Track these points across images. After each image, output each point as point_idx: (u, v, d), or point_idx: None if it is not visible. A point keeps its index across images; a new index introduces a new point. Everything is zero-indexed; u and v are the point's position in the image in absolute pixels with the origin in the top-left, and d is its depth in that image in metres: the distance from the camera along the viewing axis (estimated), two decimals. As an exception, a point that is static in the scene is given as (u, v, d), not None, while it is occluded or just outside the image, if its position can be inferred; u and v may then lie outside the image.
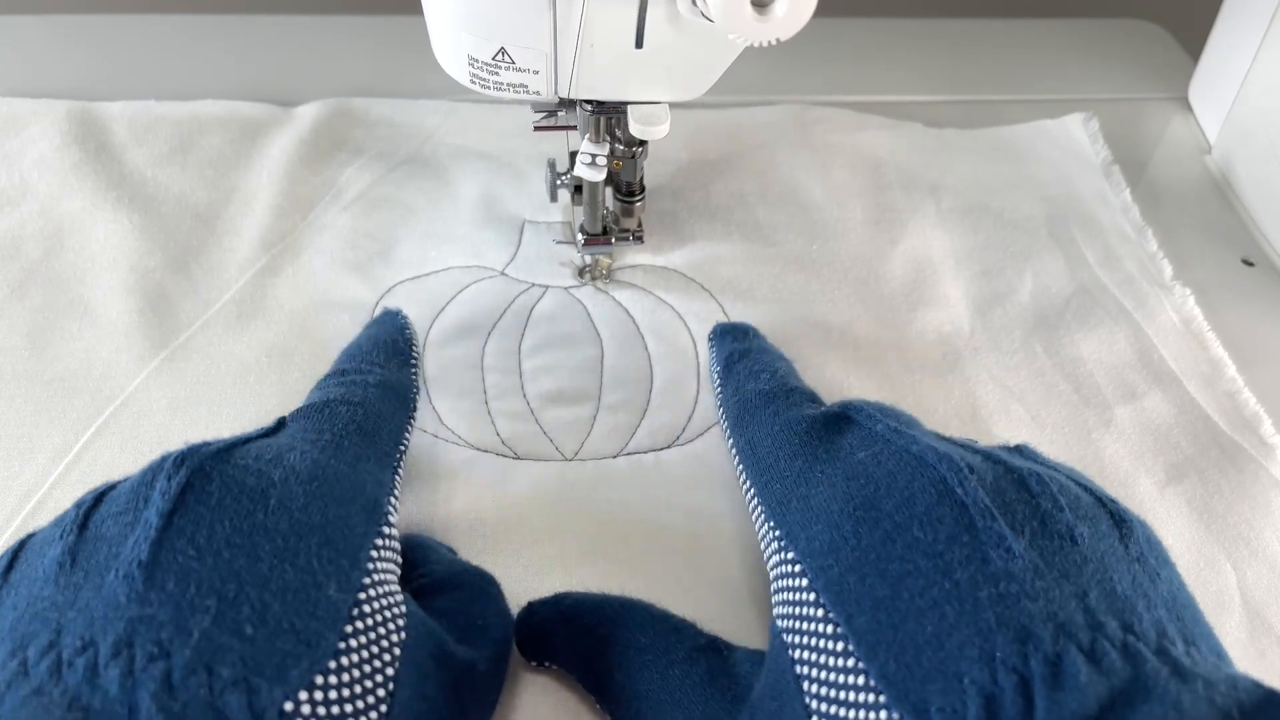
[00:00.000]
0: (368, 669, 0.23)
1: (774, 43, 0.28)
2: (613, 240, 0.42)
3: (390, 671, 0.23)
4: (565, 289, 0.42)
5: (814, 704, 0.23)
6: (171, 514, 0.22)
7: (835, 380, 0.38)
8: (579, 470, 0.35)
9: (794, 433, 0.29)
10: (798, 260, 0.44)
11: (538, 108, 0.37)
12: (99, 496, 0.24)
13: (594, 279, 0.43)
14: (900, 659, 0.22)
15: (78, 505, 0.24)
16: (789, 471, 0.28)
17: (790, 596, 0.25)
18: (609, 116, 0.36)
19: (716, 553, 0.33)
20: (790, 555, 0.26)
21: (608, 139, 0.37)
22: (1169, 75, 0.57)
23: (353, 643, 0.23)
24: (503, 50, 0.32)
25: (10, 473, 0.34)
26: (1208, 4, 0.53)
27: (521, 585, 0.31)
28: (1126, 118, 0.54)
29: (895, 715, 0.21)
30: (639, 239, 0.42)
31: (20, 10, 0.56)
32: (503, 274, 0.43)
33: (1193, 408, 0.38)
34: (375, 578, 0.25)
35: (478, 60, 0.32)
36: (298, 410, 0.29)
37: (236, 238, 0.43)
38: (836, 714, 0.22)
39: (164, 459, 0.24)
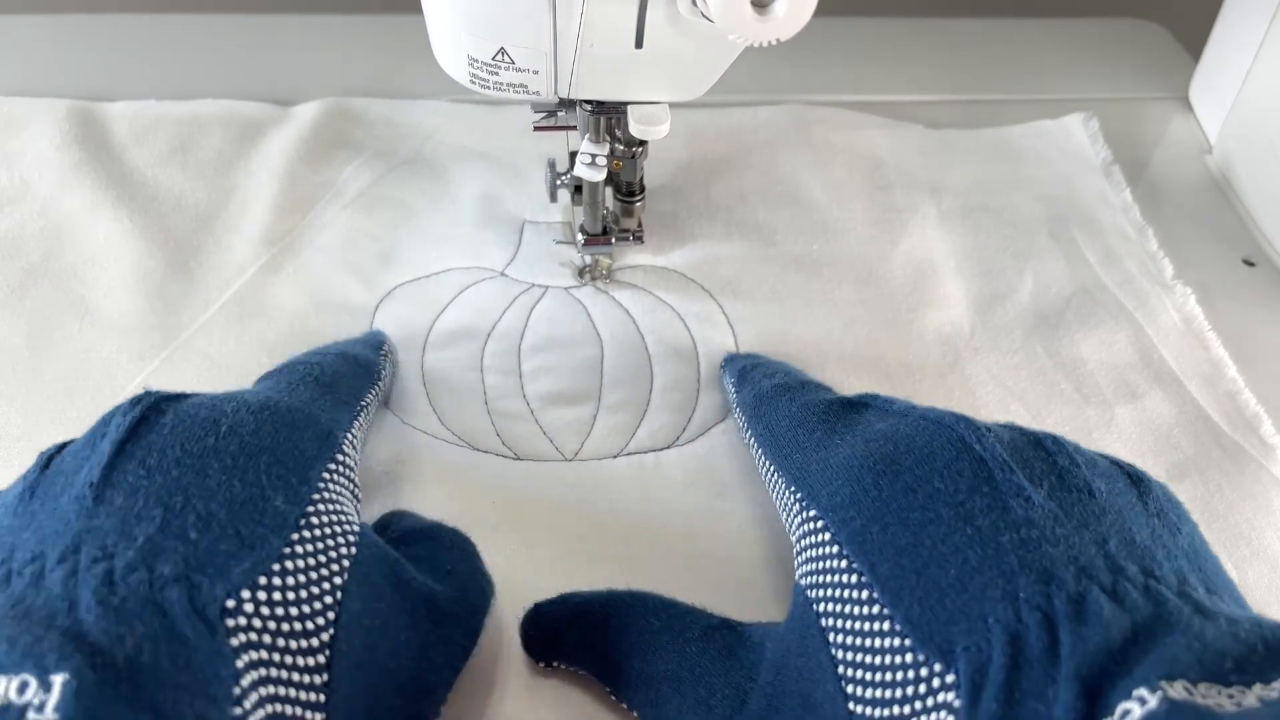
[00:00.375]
0: (315, 575, 0.23)
1: (774, 43, 0.28)
2: (613, 240, 0.42)
3: (339, 580, 0.23)
4: (565, 289, 0.42)
5: (839, 653, 0.23)
6: (124, 443, 0.24)
7: (835, 380, 0.38)
8: (579, 471, 0.35)
9: (812, 413, 0.30)
10: (798, 260, 0.44)
11: (538, 108, 0.37)
12: (61, 445, 0.25)
13: (594, 279, 0.43)
14: (924, 603, 0.22)
15: (42, 454, 0.25)
16: (808, 443, 0.29)
17: (814, 553, 0.26)
18: (609, 116, 0.36)
19: (716, 553, 0.33)
20: (812, 513, 0.26)
21: (608, 139, 0.37)
22: (1169, 75, 0.57)
23: (299, 549, 0.23)
24: (503, 50, 0.32)
25: (10, 473, 0.34)
26: (1208, 4, 0.53)
27: (522, 585, 0.31)
28: (1127, 118, 0.53)
29: (920, 657, 0.22)
30: (639, 239, 0.42)
31: (21, 10, 0.56)
32: (503, 274, 0.43)
33: (1193, 408, 0.38)
34: (325, 495, 0.25)
35: (478, 60, 0.32)
36: (264, 379, 0.31)
37: (236, 237, 0.43)
38: (861, 660, 0.23)
39: (122, 404, 0.25)
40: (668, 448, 0.36)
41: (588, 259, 0.43)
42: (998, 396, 0.38)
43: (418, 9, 0.33)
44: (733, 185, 0.47)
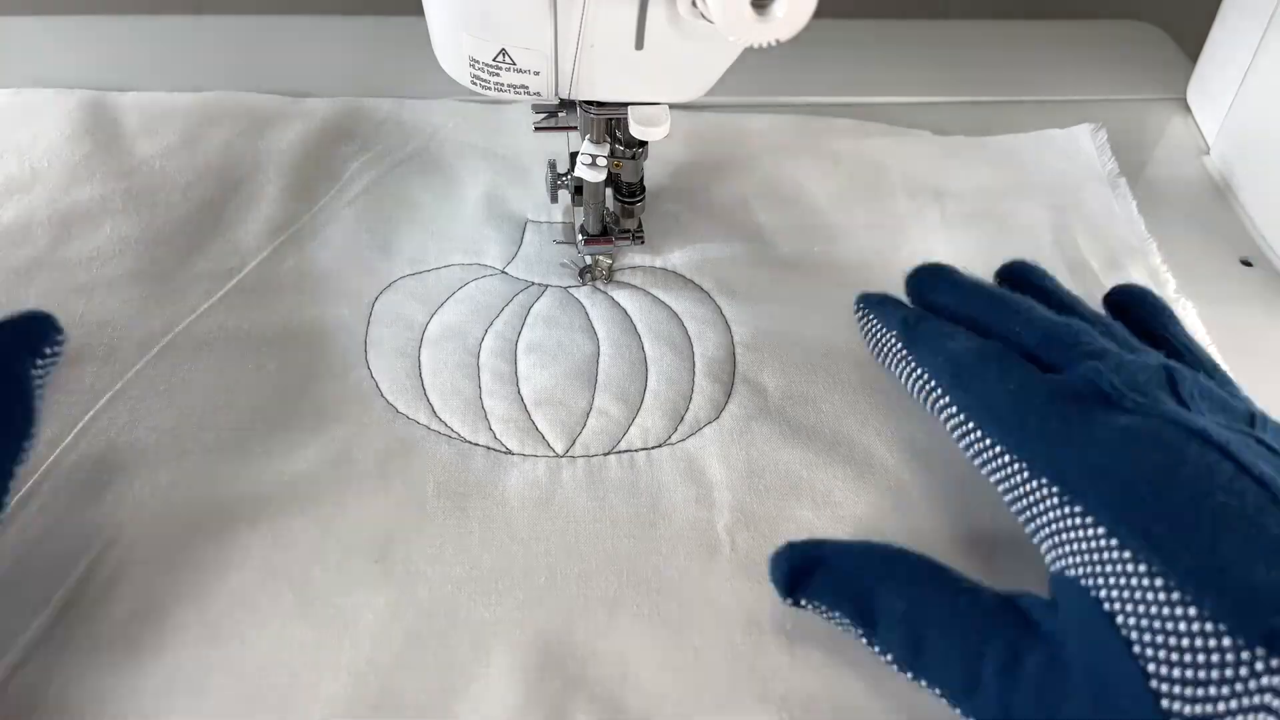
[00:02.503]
0: None
1: (774, 44, 0.28)
2: (613, 241, 0.42)
3: None
4: (565, 289, 0.42)
5: (1135, 636, 0.24)
6: None
7: (834, 382, 0.38)
8: (570, 467, 0.36)
9: (1035, 394, 0.30)
10: (798, 263, 0.44)
11: (538, 109, 0.37)
12: None
13: (594, 279, 0.43)
14: (1235, 595, 0.23)
15: None
16: (1045, 431, 0.28)
17: (1084, 545, 0.26)
18: (609, 117, 0.37)
19: (704, 553, 0.33)
20: (1078, 509, 0.26)
21: (608, 140, 0.37)
22: (1167, 76, 0.57)
23: None
24: (503, 51, 0.32)
25: None
26: (1206, 5, 0.53)
27: (510, 581, 0.32)
28: (1125, 118, 0.54)
29: (1240, 641, 0.22)
30: (639, 240, 0.42)
31: (34, 11, 0.56)
32: (503, 272, 0.43)
33: None
34: None
35: (478, 61, 0.33)
36: None
37: (241, 228, 0.44)
38: (1164, 643, 0.23)
39: None
40: (659, 446, 0.36)
41: (588, 259, 0.43)
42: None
43: (421, 10, 0.33)
44: (734, 188, 0.47)
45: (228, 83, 0.51)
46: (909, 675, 0.28)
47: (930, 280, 0.36)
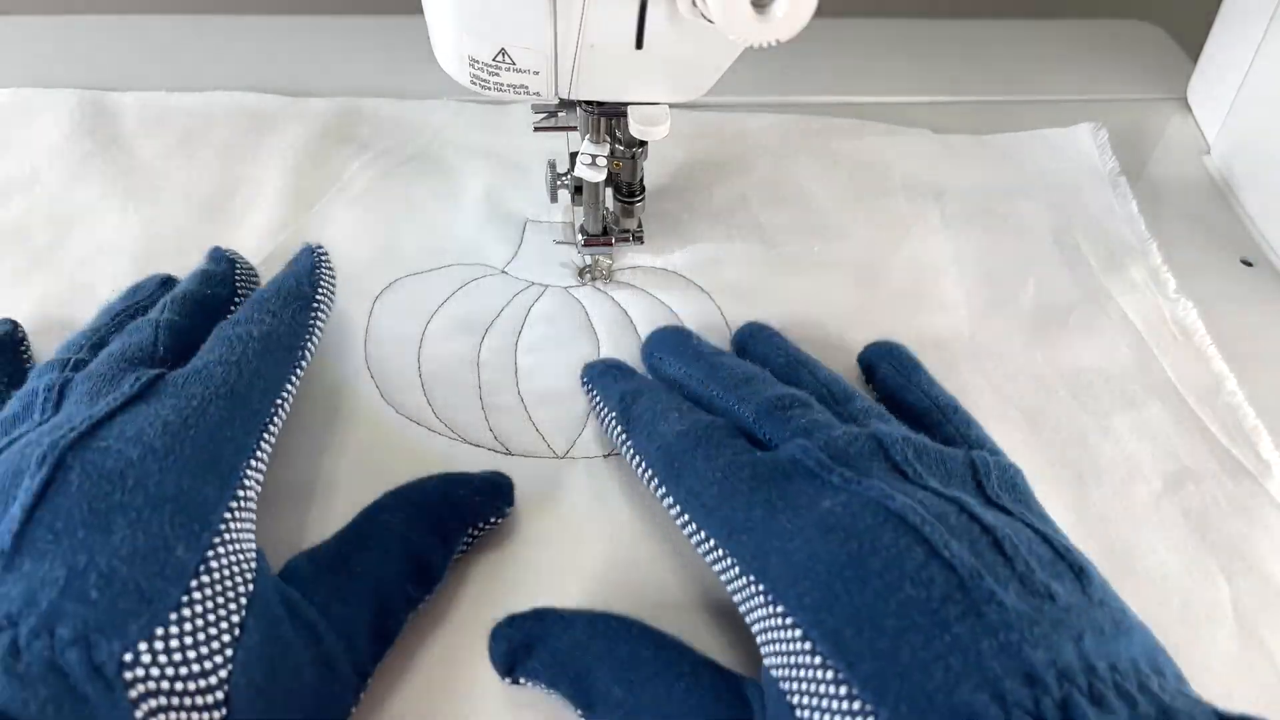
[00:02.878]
0: (212, 617, 0.24)
1: (774, 43, 0.28)
2: (613, 241, 0.42)
3: (235, 619, 0.25)
4: (565, 289, 0.42)
5: None
6: (33, 508, 0.24)
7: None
8: (569, 468, 0.35)
9: (740, 479, 0.29)
10: (798, 262, 0.44)
11: (538, 108, 0.37)
12: None
13: (594, 279, 0.43)
14: (913, 704, 0.22)
15: None
16: (750, 522, 0.28)
17: (783, 648, 0.26)
18: (609, 117, 0.36)
19: (700, 553, 0.33)
20: (780, 609, 0.26)
21: (608, 139, 0.37)
22: (1168, 76, 0.57)
23: (196, 595, 0.24)
24: (503, 51, 0.32)
25: None
26: (1206, 4, 0.53)
27: (504, 582, 0.32)
28: (1126, 118, 0.54)
29: None
30: (639, 239, 0.42)
31: (35, 11, 0.56)
32: (503, 272, 0.43)
33: (1191, 419, 0.38)
34: (226, 536, 0.26)
35: (478, 61, 0.32)
36: (179, 373, 0.30)
37: (241, 229, 0.44)
38: None
39: (30, 455, 0.26)
40: None
41: (587, 259, 0.43)
42: (995, 402, 0.38)
43: (422, 10, 0.33)
44: (734, 187, 0.47)
45: (228, 82, 0.51)
46: None
47: (659, 350, 0.37)
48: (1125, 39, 0.61)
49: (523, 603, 0.31)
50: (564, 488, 0.35)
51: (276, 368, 0.32)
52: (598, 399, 0.36)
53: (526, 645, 0.29)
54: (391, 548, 0.30)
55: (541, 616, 0.29)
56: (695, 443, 0.30)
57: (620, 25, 0.30)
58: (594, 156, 0.37)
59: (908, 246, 0.45)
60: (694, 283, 0.42)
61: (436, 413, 0.37)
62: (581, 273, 0.43)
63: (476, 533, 0.32)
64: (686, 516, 0.30)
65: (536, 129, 0.38)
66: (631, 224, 0.42)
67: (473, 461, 0.35)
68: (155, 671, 0.23)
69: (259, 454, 0.29)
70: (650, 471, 0.31)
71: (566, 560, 0.32)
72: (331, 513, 0.33)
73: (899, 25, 0.61)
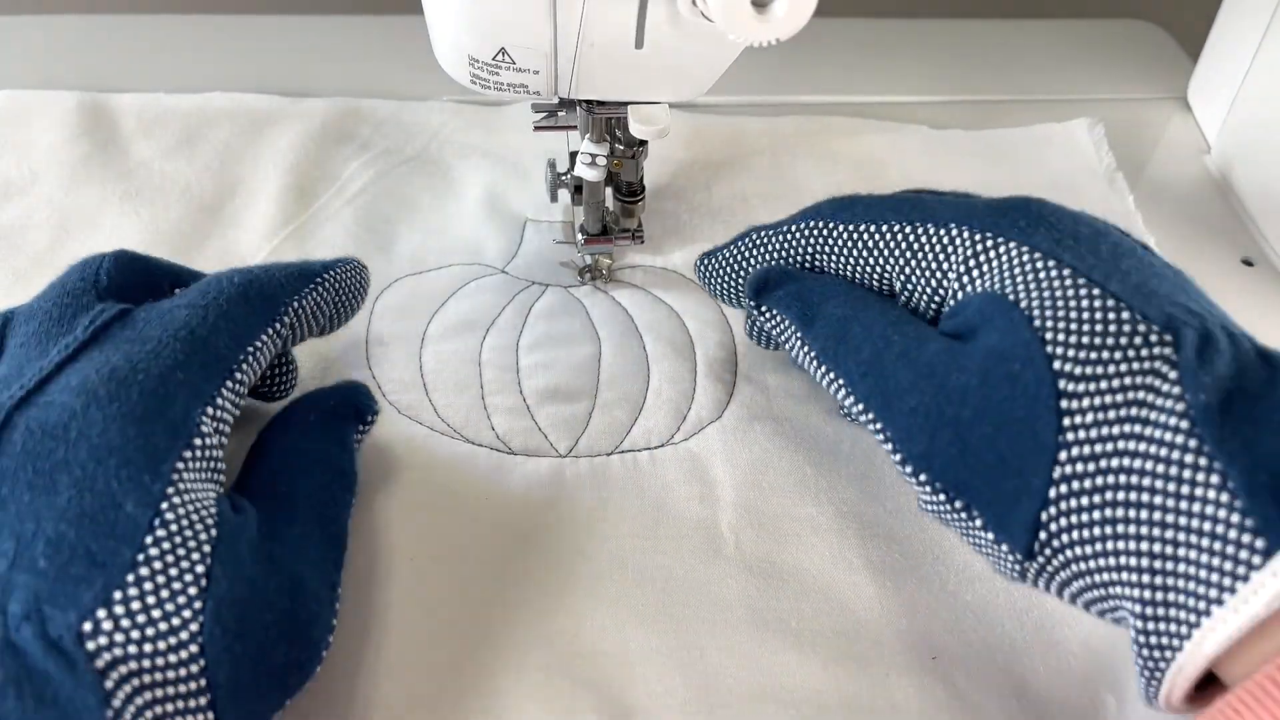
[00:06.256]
0: (174, 572, 0.23)
1: (774, 43, 0.28)
2: (613, 240, 0.42)
3: (200, 569, 0.23)
4: (565, 288, 0.42)
5: (1036, 312, 0.25)
6: None
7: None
8: (573, 467, 0.35)
9: (921, 194, 0.32)
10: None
11: (538, 108, 0.37)
12: None
13: (594, 279, 0.43)
14: (1138, 292, 0.25)
15: None
16: (942, 200, 0.31)
17: (980, 267, 0.28)
18: (609, 116, 0.36)
19: (708, 552, 0.33)
20: (986, 234, 0.29)
21: (608, 139, 0.37)
22: (1168, 75, 0.57)
23: (153, 551, 0.23)
24: (503, 50, 0.32)
25: None
26: (1207, 4, 0.53)
27: (510, 579, 0.32)
28: (1126, 118, 0.54)
29: (1138, 316, 0.24)
30: (639, 239, 0.42)
31: (32, 10, 0.56)
32: (503, 272, 0.43)
33: None
34: (181, 486, 0.25)
35: (478, 60, 0.32)
36: (140, 311, 0.29)
37: (240, 229, 0.44)
38: (1065, 314, 0.25)
39: None
40: (662, 446, 0.36)
41: (588, 259, 0.43)
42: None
43: (422, 10, 0.33)
44: (734, 187, 0.47)
45: (227, 83, 0.51)
46: (822, 369, 0.30)
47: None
48: (1125, 38, 0.61)
49: (534, 601, 0.31)
50: (567, 487, 0.35)
51: (251, 315, 0.30)
52: (713, 257, 0.37)
53: (778, 281, 0.32)
54: (307, 464, 0.30)
55: (788, 269, 0.33)
56: (849, 196, 0.33)
57: (620, 24, 0.30)
58: (594, 156, 0.37)
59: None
60: (694, 282, 0.42)
61: (438, 412, 0.37)
62: (582, 272, 0.43)
63: (363, 431, 0.33)
64: (865, 226, 0.31)
65: (536, 128, 0.38)
66: (632, 223, 0.42)
67: (475, 461, 0.35)
68: (119, 637, 0.22)
69: (220, 402, 0.28)
70: (813, 219, 0.33)
71: (573, 558, 0.32)
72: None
73: (899, 25, 0.61)
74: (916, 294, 0.30)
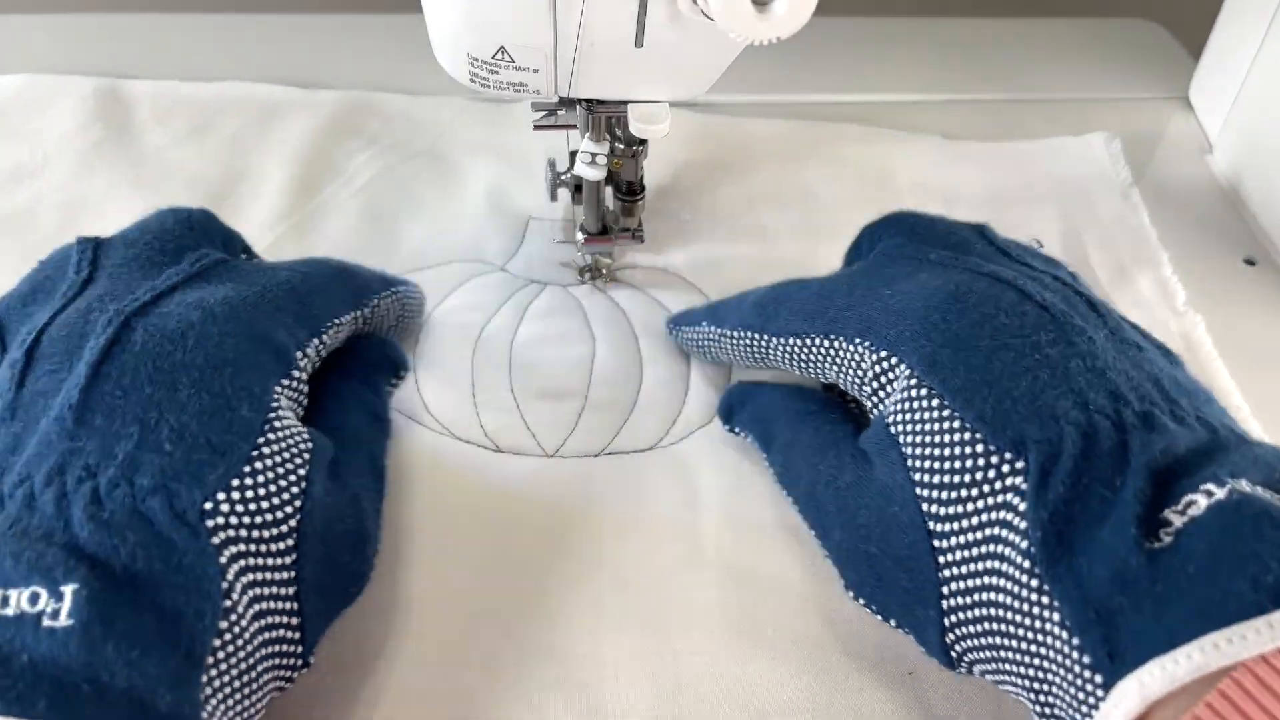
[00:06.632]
0: (281, 470, 0.26)
1: (774, 41, 0.28)
2: (613, 239, 0.42)
3: (303, 472, 0.26)
4: (564, 287, 0.42)
5: (908, 449, 0.27)
6: (99, 364, 0.25)
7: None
8: (558, 467, 0.35)
9: (838, 281, 0.32)
10: (799, 263, 0.43)
11: (537, 107, 0.37)
12: (29, 356, 0.26)
13: (593, 278, 0.42)
14: (997, 407, 0.25)
15: (11, 365, 0.26)
16: (851, 301, 0.31)
17: (888, 388, 0.29)
18: (609, 115, 0.36)
19: (689, 557, 0.33)
20: (882, 353, 0.29)
21: (608, 138, 0.37)
22: (1170, 74, 0.57)
23: (265, 449, 0.26)
24: (502, 49, 0.32)
25: None
26: (1208, 3, 0.53)
27: (493, 576, 0.32)
28: (1128, 117, 0.53)
29: (991, 448, 0.25)
30: (639, 238, 0.42)
31: (47, 9, 0.57)
32: (503, 270, 0.43)
33: None
34: (281, 403, 0.28)
35: (477, 59, 0.32)
36: (242, 261, 0.32)
37: (244, 218, 0.44)
38: (929, 454, 0.26)
39: (96, 320, 0.27)
40: (650, 449, 0.36)
41: (587, 258, 0.43)
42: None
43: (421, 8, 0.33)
44: (738, 188, 0.47)
45: (243, 78, 0.51)
46: (783, 491, 0.33)
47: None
48: (1127, 38, 0.60)
49: (511, 598, 0.31)
50: (551, 486, 0.35)
51: (342, 295, 0.33)
52: (683, 328, 0.38)
53: (740, 402, 0.35)
54: (354, 405, 0.33)
55: (749, 386, 0.36)
56: (785, 285, 0.34)
57: (620, 23, 0.30)
58: (594, 155, 0.37)
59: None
60: (693, 284, 0.42)
61: (428, 407, 0.37)
62: (581, 271, 0.43)
63: (394, 384, 0.36)
64: (790, 340, 0.32)
65: (536, 127, 0.38)
66: (632, 223, 0.42)
67: (461, 458, 0.35)
68: (234, 520, 0.24)
69: (309, 350, 0.30)
70: (748, 330, 0.34)
71: (552, 557, 0.32)
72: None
73: (899, 24, 0.60)
74: (850, 391, 0.32)
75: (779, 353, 0.33)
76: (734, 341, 0.35)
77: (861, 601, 0.29)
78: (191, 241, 0.31)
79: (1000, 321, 0.27)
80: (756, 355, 0.35)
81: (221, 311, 0.28)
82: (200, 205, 0.44)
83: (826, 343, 0.31)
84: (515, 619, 0.31)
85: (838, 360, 0.31)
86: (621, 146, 0.38)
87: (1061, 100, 0.55)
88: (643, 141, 0.38)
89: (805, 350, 0.32)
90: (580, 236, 0.42)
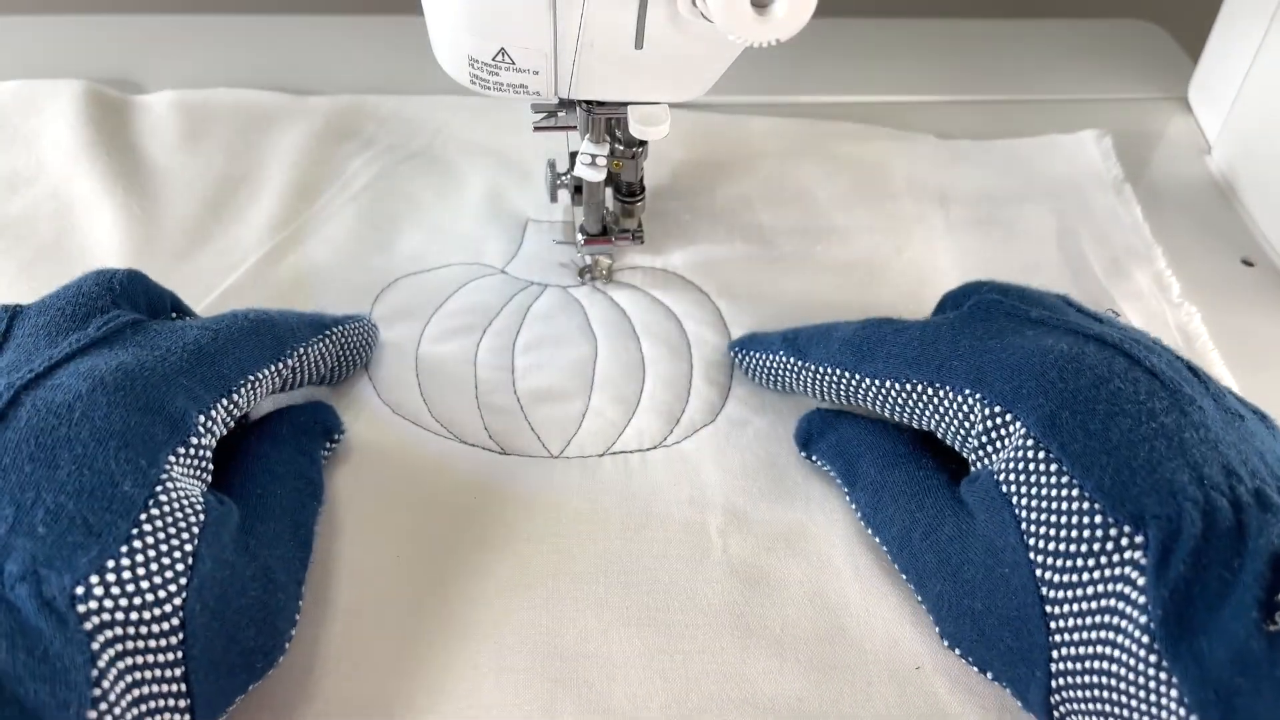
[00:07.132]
0: (165, 548, 0.25)
1: (774, 43, 0.28)
2: (613, 240, 0.42)
3: (189, 548, 0.25)
4: (564, 288, 0.42)
5: (1023, 514, 0.27)
6: None
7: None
8: (563, 469, 0.35)
9: (939, 329, 0.32)
10: (799, 264, 0.44)
11: (537, 108, 0.37)
12: None
13: (593, 279, 0.43)
14: (1116, 477, 0.25)
15: None
16: (958, 351, 0.31)
17: (1000, 444, 0.29)
18: (609, 117, 0.36)
19: (695, 555, 0.33)
20: (996, 408, 0.29)
21: (608, 139, 0.37)
22: (1169, 75, 0.57)
23: (147, 527, 0.25)
24: (503, 51, 0.32)
25: None
26: (1207, 4, 0.53)
27: (500, 579, 0.32)
28: (1126, 118, 0.53)
29: (1110, 519, 0.25)
30: (639, 239, 0.42)
31: (42, 10, 0.57)
32: (503, 271, 0.43)
33: None
34: (175, 474, 0.27)
35: (478, 61, 0.32)
36: (153, 323, 0.31)
37: (242, 225, 0.44)
38: (1047, 520, 0.26)
39: None
40: (654, 448, 0.36)
41: (587, 259, 0.43)
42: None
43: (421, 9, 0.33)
44: (736, 188, 0.47)
45: (236, 81, 0.51)
46: (869, 530, 0.32)
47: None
48: (1126, 38, 0.61)
49: (514, 601, 0.31)
50: (557, 488, 0.35)
51: (259, 350, 0.32)
52: (755, 354, 0.37)
53: (821, 431, 0.35)
54: (281, 472, 0.31)
55: (830, 416, 0.35)
56: (879, 325, 0.34)
57: (620, 24, 0.30)
58: (594, 156, 0.37)
59: (910, 250, 0.45)
60: (693, 284, 0.42)
61: (432, 411, 0.37)
62: (581, 273, 0.43)
63: (329, 448, 0.34)
64: (889, 383, 0.32)
65: (536, 129, 0.38)
66: (632, 224, 0.42)
67: (467, 460, 0.35)
68: (109, 603, 0.23)
69: (214, 413, 0.29)
70: (839, 368, 0.34)
71: (559, 560, 0.32)
72: (325, 509, 0.33)
73: (898, 25, 0.60)
74: (946, 439, 0.32)
75: (871, 394, 0.33)
76: (818, 377, 0.34)
77: (958, 652, 0.29)
78: (106, 304, 0.30)
79: (1115, 386, 0.27)
80: (843, 394, 0.34)
81: (113, 380, 0.27)
82: (198, 212, 0.44)
83: (931, 390, 0.31)
84: (523, 621, 0.31)
85: (940, 409, 0.31)
86: (621, 148, 0.38)
87: (1060, 101, 0.55)
88: (643, 143, 0.38)
89: (905, 395, 0.32)
90: (580, 238, 0.42)
